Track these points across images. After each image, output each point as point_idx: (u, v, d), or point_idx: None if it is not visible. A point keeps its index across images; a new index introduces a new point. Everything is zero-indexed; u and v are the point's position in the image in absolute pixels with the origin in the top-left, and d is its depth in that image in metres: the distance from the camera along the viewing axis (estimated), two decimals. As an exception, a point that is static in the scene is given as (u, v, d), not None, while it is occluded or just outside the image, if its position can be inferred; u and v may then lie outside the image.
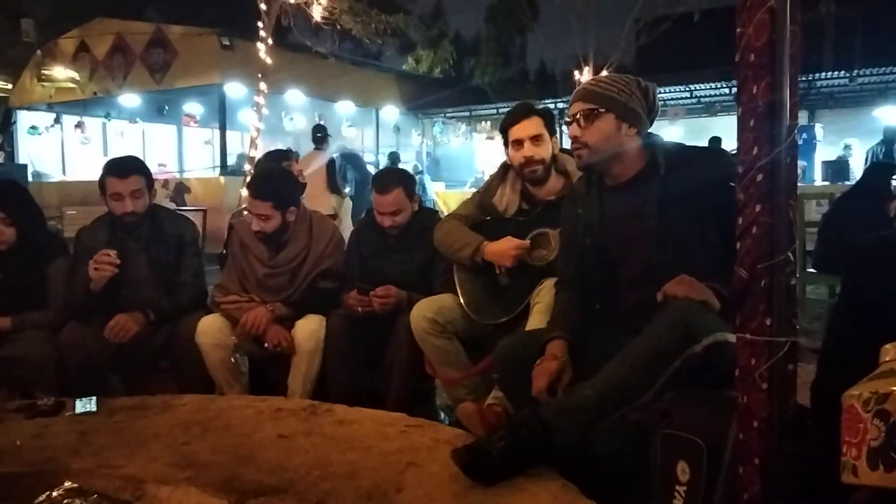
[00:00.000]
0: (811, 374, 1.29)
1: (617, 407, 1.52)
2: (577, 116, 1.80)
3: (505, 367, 1.86)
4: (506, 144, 2.37)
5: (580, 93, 1.83)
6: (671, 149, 1.81)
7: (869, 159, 7.97)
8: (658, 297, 1.58)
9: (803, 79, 10.16)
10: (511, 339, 1.92)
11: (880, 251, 1.34)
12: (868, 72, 10.81)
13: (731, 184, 1.54)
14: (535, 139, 2.28)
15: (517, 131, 2.30)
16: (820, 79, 11.11)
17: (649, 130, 1.85)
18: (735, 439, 1.28)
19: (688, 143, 1.93)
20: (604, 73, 10.61)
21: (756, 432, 1.22)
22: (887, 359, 1.05)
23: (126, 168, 2.61)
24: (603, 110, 1.76)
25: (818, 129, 11.46)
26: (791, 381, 1.22)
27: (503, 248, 2.26)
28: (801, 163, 9.57)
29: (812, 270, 4.12)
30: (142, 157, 3.00)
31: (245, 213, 2.71)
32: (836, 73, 11.09)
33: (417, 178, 11.88)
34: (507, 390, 1.91)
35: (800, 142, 1.25)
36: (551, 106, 7.71)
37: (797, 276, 1.23)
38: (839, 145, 10.68)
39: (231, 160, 10.92)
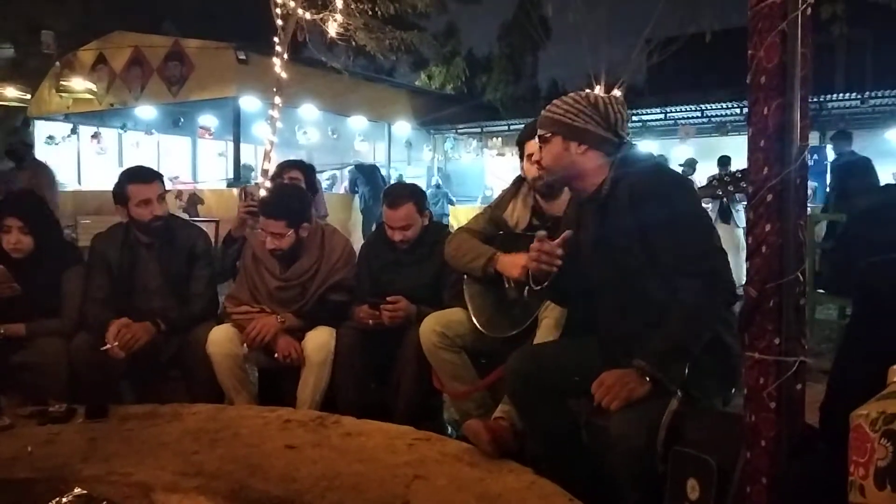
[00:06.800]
0: (820, 394, 1.29)
1: None
2: (538, 141, 1.89)
3: (516, 381, 1.86)
4: (521, 157, 2.41)
5: (539, 119, 1.88)
6: (629, 168, 1.76)
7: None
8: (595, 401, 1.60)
9: (815, 100, 10.13)
10: (522, 353, 1.92)
11: (892, 274, 1.34)
12: (880, 94, 10.75)
13: (669, 202, 1.64)
14: None
15: (531, 146, 2.34)
16: (831, 100, 11.07)
17: (630, 142, 1.84)
18: (744, 458, 1.27)
19: (668, 164, 1.93)
20: (615, 92, 10.65)
21: (764, 451, 1.22)
22: (895, 379, 1.05)
23: (148, 174, 2.71)
24: (549, 134, 1.82)
25: (829, 151, 11.41)
26: (799, 400, 1.22)
27: (517, 260, 2.27)
28: (811, 184, 9.54)
29: (821, 291, 4.10)
30: (157, 168, 3.06)
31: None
32: (847, 94, 11.06)
33: (436, 191, 12.00)
34: (518, 404, 1.91)
35: (810, 163, 1.26)
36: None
37: (806, 296, 1.24)
38: (849, 167, 10.62)
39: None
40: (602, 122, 1.77)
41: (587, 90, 1.87)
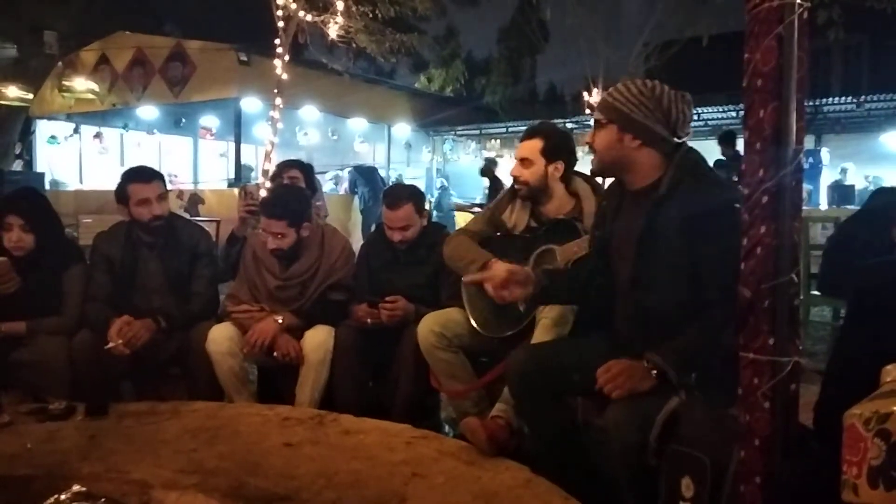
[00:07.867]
0: (814, 395, 1.30)
1: None
2: (594, 124, 1.81)
3: (517, 378, 1.86)
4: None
5: (598, 102, 1.81)
6: (686, 169, 1.71)
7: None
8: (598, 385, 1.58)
9: (811, 104, 10.12)
10: (523, 352, 1.92)
11: (886, 276, 1.36)
12: (875, 98, 10.78)
13: (723, 223, 1.55)
14: (523, 161, 2.34)
15: (517, 149, 2.40)
16: (827, 104, 11.09)
17: (690, 146, 1.78)
18: (737, 457, 1.28)
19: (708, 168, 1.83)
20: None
21: (758, 451, 1.22)
22: (888, 379, 1.06)
23: (148, 174, 2.71)
24: (606, 121, 1.75)
25: (825, 154, 11.43)
26: (793, 400, 1.23)
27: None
28: (807, 186, 9.55)
29: (816, 293, 4.11)
30: (158, 168, 3.08)
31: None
32: (843, 98, 11.08)
33: (443, 193, 12.06)
34: (518, 401, 1.91)
35: (806, 166, 1.27)
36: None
37: (801, 297, 1.25)
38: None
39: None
40: (662, 118, 1.70)
41: (655, 81, 1.75)
